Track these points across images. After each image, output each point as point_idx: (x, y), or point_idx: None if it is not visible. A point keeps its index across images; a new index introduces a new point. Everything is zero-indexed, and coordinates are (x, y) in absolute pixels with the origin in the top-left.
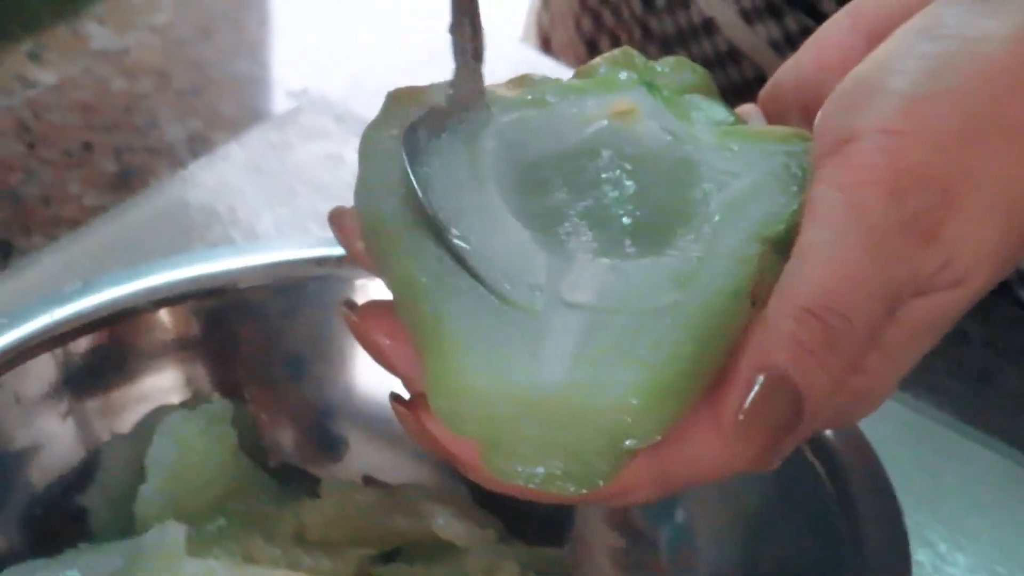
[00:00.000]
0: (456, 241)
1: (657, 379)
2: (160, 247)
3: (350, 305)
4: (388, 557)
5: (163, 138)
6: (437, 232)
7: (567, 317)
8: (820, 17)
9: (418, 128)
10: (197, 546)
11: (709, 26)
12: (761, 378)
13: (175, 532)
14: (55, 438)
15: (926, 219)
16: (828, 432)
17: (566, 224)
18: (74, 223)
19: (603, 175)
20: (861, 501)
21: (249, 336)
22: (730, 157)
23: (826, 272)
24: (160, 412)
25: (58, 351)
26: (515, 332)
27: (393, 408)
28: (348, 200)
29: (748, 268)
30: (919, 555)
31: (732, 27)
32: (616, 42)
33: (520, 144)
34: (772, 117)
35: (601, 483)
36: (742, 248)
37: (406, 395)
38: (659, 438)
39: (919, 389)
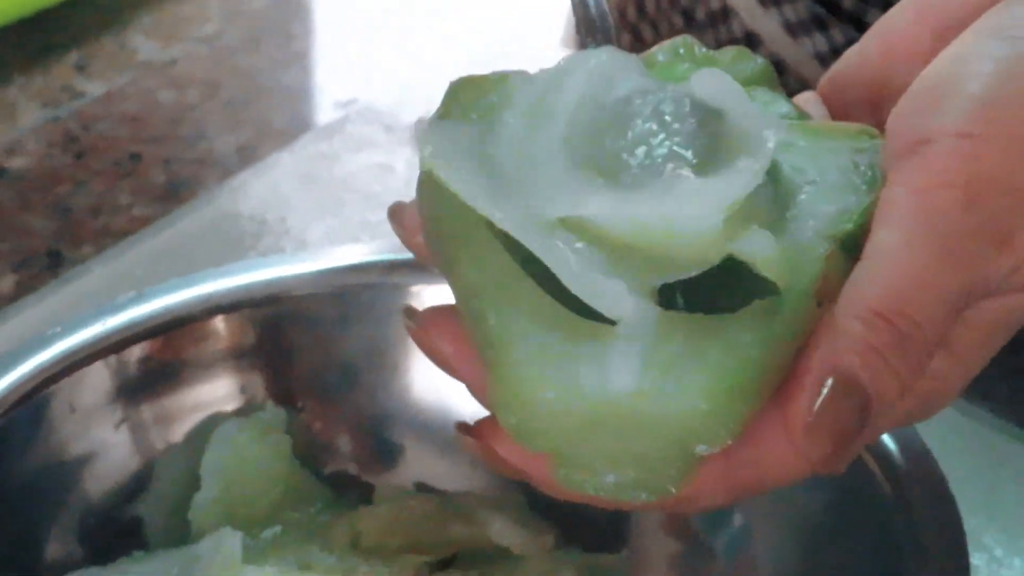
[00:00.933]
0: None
1: (726, 382)
2: (210, 257)
3: (409, 312)
4: (444, 564)
5: (211, 149)
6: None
7: (633, 323)
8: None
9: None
10: (253, 554)
11: (751, 40)
12: (830, 381)
13: (231, 540)
14: (109, 447)
15: (999, 224)
16: (887, 438)
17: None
18: (123, 234)
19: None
20: (920, 507)
21: (303, 344)
22: (796, 153)
23: (896, 275)
24: (214, 420)
25: (112, 360)
26: (582, 341)
27: (460, 438)
28: None
29: (815, 267)
30: (975, 559)
31: (775, 40)
32: None
33: (584, 123)
34: (834, 107)
35: (673, 490)
36: (810, 247)
37: (467, 417)
38: (730, 442)
39: (973, 395)
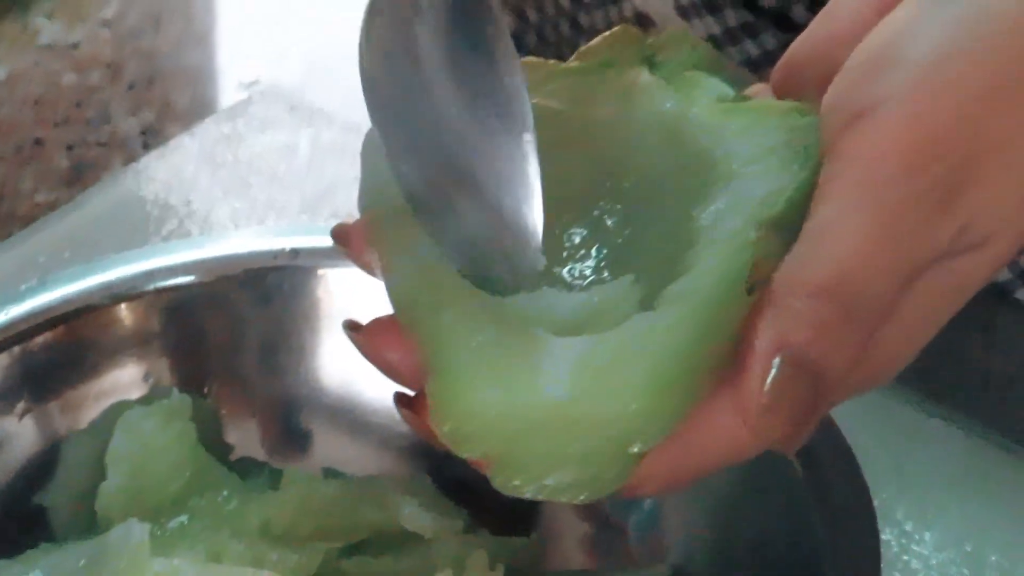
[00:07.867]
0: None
1: (658, 379)
2: (115, 241)
3: (353, 325)
4: (355, 550)
5: (115, 132)
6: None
7: (567, 328)
8: (758, 11)
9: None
10: (160, 544)
11: (642, 20)
12: (778, 360)
13: (139, 531)
14: (13, 437)
15: (943, 187)
16: None
17: (563, 218)
18: (28, 219)
19: (601, 166)
20: (832, 484)
21: (209, 329)
22: (730, 137)
23: (839, 250)
24: (119, 408)
25: (15, 349)
26: (516, 345)
27: (399, 411)
28: (303, 190)
29: (745, 255)
30: (886, 534)
31: (667, 21)
32: (543, 38)
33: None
34: (787, 94)
35: (613, 488)
36: (740, 233)
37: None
38: (664, 438)
39: None
